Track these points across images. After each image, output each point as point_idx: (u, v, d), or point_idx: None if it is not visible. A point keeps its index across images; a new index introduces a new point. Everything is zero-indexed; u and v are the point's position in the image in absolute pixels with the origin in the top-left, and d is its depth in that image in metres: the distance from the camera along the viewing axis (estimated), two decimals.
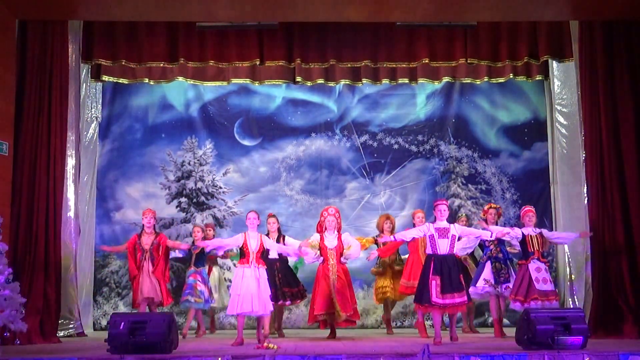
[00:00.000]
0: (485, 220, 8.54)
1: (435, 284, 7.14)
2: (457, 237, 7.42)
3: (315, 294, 8.15)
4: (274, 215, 8.93)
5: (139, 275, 8.44)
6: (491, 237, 7.98)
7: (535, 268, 7.67)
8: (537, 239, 7.84)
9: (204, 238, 8.95)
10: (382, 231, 9.13)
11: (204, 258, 8.93)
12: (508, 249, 8.47)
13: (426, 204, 10.76)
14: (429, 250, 7.36)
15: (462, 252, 8.47)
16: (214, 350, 6.30)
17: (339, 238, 8.20)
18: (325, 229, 8.19)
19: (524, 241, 7.87)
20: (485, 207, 8.83)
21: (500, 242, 8.45)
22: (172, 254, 8.98)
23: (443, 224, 7.37)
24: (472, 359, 5.51)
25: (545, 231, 8.05)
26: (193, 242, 8.95)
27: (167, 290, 8.66)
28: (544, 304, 7.45)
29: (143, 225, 8.69)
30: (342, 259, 8.17)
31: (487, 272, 8.25)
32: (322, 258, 8.14)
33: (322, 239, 8.18)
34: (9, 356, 6.03)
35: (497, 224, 8.60)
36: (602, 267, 8.32)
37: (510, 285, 8.05)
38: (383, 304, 9.38)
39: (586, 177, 8.77)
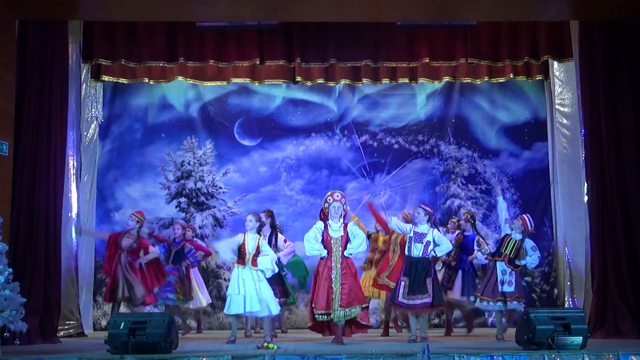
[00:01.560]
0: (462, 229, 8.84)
1: (403, 285, 7.39)
2: (432, 243, 7.48)
3: (315, 290, 7.30)
4: (268, 211, 8.79)
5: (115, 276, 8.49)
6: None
7: (502, 270, 7.73)
8: (513, 246, 7.81)
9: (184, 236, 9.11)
10: (378, 231, 9.05)
11: (182, 256, 8.94)
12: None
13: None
14: (406, 252, 7.49)
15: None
16: (214, 350, 6.30)
17: (345, 227, 7.38)
18: (330, 217, 7.38)
19: (502, 240, 7.93)
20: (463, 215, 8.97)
21: (461, 250, 8.69)
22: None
23: (422, 227, 7.46)
24: (472, 359, 5.51)
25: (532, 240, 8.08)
26: (174, 239, 9.03)
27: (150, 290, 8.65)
28: (510, 304, 7.63)
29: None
30: (345, 253, 7.31)
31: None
32: (325, 252, 7.30)
33: (325, 228, 7.36)
34: (9, 356, 6.02)
35: (472, 231, 8.84)
36: (602, 267, 8.32)
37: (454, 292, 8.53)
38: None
39: (586, 177, 8.77)
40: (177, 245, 8.93)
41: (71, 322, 8.90)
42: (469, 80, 10.53)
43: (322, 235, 7.34)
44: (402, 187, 10.99)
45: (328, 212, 7.40)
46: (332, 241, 7.31)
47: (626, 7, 8.42)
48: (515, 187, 10.94)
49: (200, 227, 10.64)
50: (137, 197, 10.73)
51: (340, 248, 7.29)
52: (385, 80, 10.33)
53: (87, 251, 9.87)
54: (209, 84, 10.52)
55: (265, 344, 6.65)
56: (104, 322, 10.05)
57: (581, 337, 6.00)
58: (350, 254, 7.37)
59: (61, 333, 8.49)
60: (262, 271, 7.35)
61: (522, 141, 11.00)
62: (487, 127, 11.09)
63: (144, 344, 5.83)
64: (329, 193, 7.61)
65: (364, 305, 7.30)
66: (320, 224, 7.42)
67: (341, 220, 7.39)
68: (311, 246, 7.36)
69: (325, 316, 7.20)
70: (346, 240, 7.33)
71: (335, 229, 7.34)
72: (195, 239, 9.50)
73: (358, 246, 7.39)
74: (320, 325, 7.39)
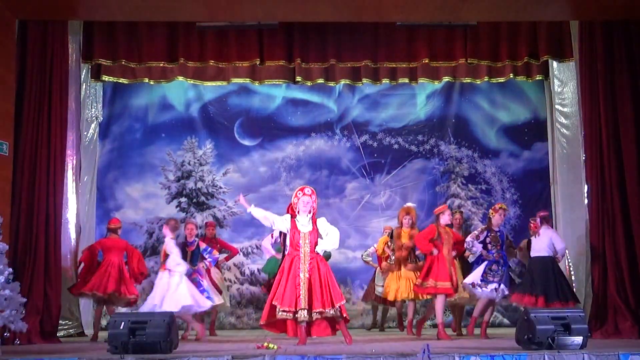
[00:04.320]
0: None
1: None
2: None
3: (278, 286, 6.92)
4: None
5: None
6: None
7: None
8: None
9: (203, 236, 9.12)
10: (401, 225, 8.68)
11: (198, 256, 8.69)
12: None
13: (426, 204, 10.80)
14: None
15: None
16: (214, 350, 6.30)
17: (314, 222, 7.08)
18: (298, 211, 7.08)
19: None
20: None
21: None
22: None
23: None
24: (472, 359, 5.51)
25: None
26: (185, 238, 8.73)
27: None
28: None
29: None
30: (316, 249, 7.00)
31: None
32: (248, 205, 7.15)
33: (293, 222, 7.08)
34: (9, 356, 6.02)
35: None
36: (602, 267, 8.32)
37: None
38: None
39: (586, 177, 8.76)
40: (192, 245, 8.68)
41: (71, 322, 8.91)
42: (468, 80, 10.54)
43: (290, 230, 7.08)
44: (402, 187, 11.01)
45: (297, 207, 7.11)
46: (300, 236, 7.00)
47: (626, 7, 8.41)
48: (515, 187, 10.97)
49: (200, 227, 10.65)
50: (137, 197, 10.75)
51: (309, 244, 6.98)
52: (385, 81, 10.34)
53: None
54: (209, 84, 10.53)
55: (266, 344, 6.64)
56: (104, 322, 10.04)
57: (581, 337, 5.99)
58: (324, 251, 7.15)
59: (61, 333, 8.49)
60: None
61: (522, 141, 11.03)
62: (487, 127, 11.12)
63: (144, 344, 5.82)
64: (299, 188, 7.30)
65: (341, 303, 6.97)
66: (287, 216, 7.15)
67: (309, 215, 7.09)
68: (260, 213, 7.16)
69: (290, 314, 6.82)
70: (316, 235, 7.06)
71: (304, 224, 7.05)
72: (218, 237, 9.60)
73: (333, 243, 7.12)
74: (280, 323, 7.02)
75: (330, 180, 11.00)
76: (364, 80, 10.34)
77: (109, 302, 8.66)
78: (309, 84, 10.44)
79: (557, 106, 10.09)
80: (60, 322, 8.45)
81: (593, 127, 8.63)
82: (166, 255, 8.01)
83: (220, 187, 10.93)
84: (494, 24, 9.28)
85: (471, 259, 8.50)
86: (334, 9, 8.40)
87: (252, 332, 9.36)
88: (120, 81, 10.29)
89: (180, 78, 10.25)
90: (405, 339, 8.09)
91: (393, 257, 8.68)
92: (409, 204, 9.04)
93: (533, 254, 8.18)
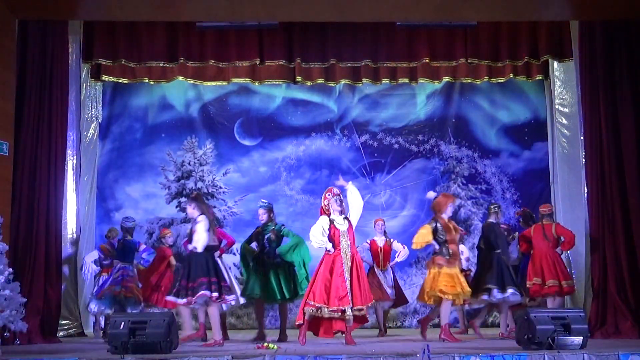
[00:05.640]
0: None
1: None
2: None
3: (321, 285, 6.92)
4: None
5: None
6: None
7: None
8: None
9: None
10: (443, 213, 7.72)
11: (131, 251, 8.42)
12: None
13: (426, 204, 10.75)
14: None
15: None
16: (214, 350, 6.30)
17: (349, 220, 7.21)
18: (332, 212, 7.18)
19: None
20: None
21: None
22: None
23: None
24: (472, 359, 5.51)
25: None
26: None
27: None
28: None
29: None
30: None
31: None
32: (331, 245, 7.03)
33: (331, 222, 7.13)
34: (9, 356, 6.02)
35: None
36: (602, 267, 8.32)
37: None
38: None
39: (586, 177, 8.76)
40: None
41: (71, 322, 8.91)
42: (469, 80, 10.54)
43: (330, 230, 7.11)
44: (402, 187, 11.01)
45: (329, 208, 7.21)
46: (340, 234, 7.10)
47: (626, 7, 8.41)
48: (515, 187, 10.96)
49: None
50: (137, 197, 10.76)
51: (349, 241, 7.10)
52: (385, 80, 10.34)
53: (87, 251, 9.86)
54: (209, 84, 10.53)
55: (266, 344, 6.65)
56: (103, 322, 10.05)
57: (581, 337, 5.99)
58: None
59: (61, 333, 8.50)
60: None
61: (522, 141, 11.03)
62: (487, 127, 11.12)
63: (144, 344, 5.83)
64: (327, 189, 7.39)
65: (370, 304, 7.30)
66: (324, 218, 7.18)
67: (343, 214, 7.21)
68: (318, 239, 7.09)
69: (339, 313, 6.86)
70: (352, 233, 7.18)
71: (340, 222, 7.17)
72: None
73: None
74: (316, 323, 7.07)
75: (330, 180, 10.96)
76: (364, 80, 10.34)
77: None
78: (309, 84, 10.44)
79: (557, 106, 10.09)
80: (60, 322, 8.46)
81: (593, 127, 8.64)
82: None
83: (220, 187, 10.93)
84: (494, 24, 9.29)
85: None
86: (334, 9, 8.40)
87: (252, 332, 9.34)
88: (120, 81, 10.29)
89: (180, 78, 10.26)
90: (405, 339, 8.08)
91: (449, 252, 7.60)
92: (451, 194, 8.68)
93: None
